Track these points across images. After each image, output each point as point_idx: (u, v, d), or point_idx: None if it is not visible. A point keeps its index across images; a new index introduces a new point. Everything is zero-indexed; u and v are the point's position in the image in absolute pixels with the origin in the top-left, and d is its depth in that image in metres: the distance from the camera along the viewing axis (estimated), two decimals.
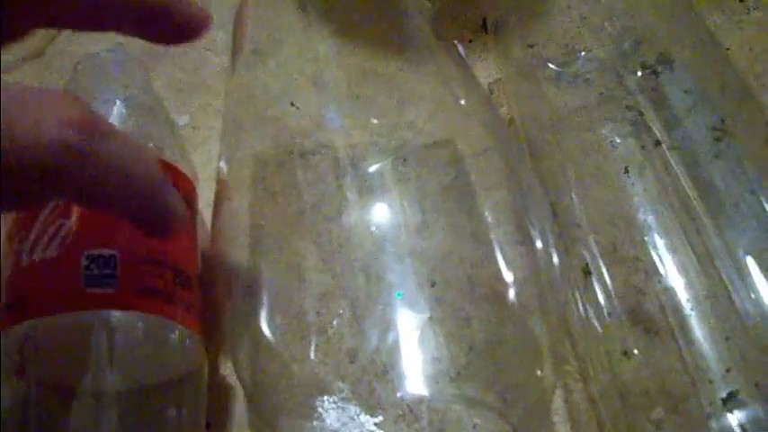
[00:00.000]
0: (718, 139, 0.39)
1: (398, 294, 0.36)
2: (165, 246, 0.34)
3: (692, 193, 0.38)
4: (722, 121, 0.39)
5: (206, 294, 0.37)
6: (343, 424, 0.34)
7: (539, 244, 0.35)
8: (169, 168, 0.36)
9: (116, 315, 0.32)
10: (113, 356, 0.32)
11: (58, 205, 0.33)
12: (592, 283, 0.37)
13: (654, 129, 0.42)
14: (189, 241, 0.36)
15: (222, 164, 0.39)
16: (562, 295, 0.36)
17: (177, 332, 0.33)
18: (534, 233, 0.36)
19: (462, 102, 0.41)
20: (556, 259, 0.35)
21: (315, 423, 0.34)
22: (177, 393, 0.34)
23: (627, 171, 0.41)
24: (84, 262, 0.32)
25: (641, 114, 0.43)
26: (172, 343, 0.33)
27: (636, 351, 0.35)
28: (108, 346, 0.32)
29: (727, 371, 0.34)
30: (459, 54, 0.42)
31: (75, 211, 0.33)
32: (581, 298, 0.37)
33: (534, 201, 0.37)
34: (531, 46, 0.47)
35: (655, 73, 0.44)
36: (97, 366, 0.32)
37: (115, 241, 0.33)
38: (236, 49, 0.42)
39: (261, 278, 0.37)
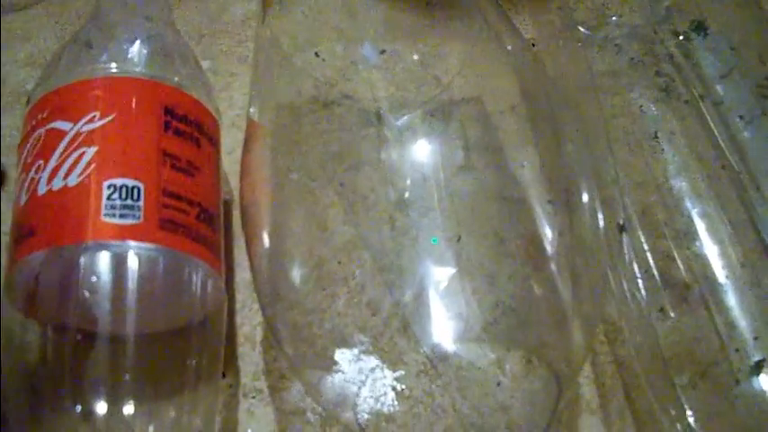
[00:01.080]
0: (763, 96, 0.38)
1: (433, 240, 0.35)
2: (190, 181, 0.33)
3: (731, 158, 0.37)
4: (766, 78, 0.38)
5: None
6: (364, 377, 0.33)
7: (584, 198, 0.34)
8: (195, 106, 0.35)
9: (137, 247, 0.31)
10: (133, 294, 0.31)
11: (79, 133, 0.32)
12: (627, 242, 0.36)
13: (687, 94, 0.41)
14: (213, 179, 0.35)
15: (252, 109, 0.38)
16: (604, 254, 0.35)
17: (200, 270, 0.32)
18: (580, 188, 0.35)
19: (494, 56, 0.40)
20: (600, 216, 0.34)
21: (334, 375, 0.33)
22: (197, 338, 0.33)
23: (656, 136, 0.40)
24: (106, 191, 0.31)
25: (672, 80, 0.42)
26: (194, 282, 0.32)
27: (672, 312, 0.35)
28: (127, 282, 0.31)
29: (756, 338, 0.34)
30: (500, 5, 0.41)
31: (98, 140, 0.32)
32: (616, 256, 0.36)
33: (578, 157, 0.36)
34: (561, 8, 0.46)
35: (688, 39, 0.43)
36: (116, 305, 0.31)
37: (140, 172, 0.31)
38: None
39: (284, 225, 0.36)
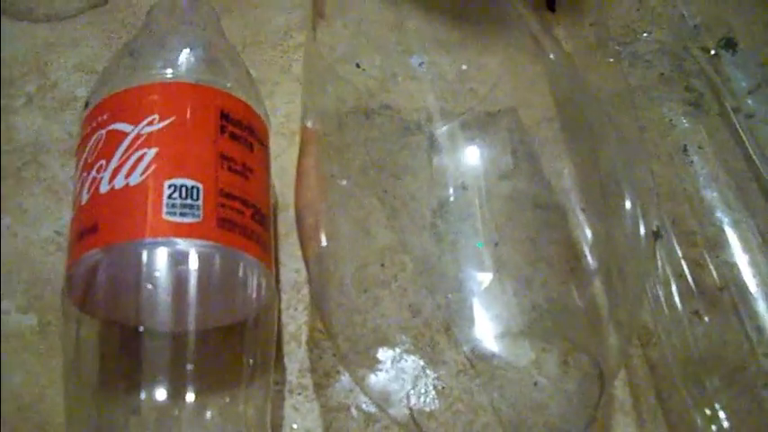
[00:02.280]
0: None
1: (479, 244, 0.36)
2: (245, 182, 0.34)
3: (762, 168, 0.39)
4: None
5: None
6: (406, 376, 0.34)
7: (627, 205, 0.35)
8: (248, 110, 0.36)
9: (197, 245, 0.32)
10: (192, 290, 0.32)
11: (140, 135, 0.33)
12: (661, 248, 0.37)
13: (716, 108, 0.42)
14: (265, 182, 0.36)
15: (304, 116, 0.39)
16: (644, 260, 0.36)
17: (255, 268, 0.33)
18: (623, 195, 0.36)
19: (530, 69, 0.42)
20: (642, 224, 0.35)
21: (376, 374, 0.34)
22: (251, 334, 0.34)
23: (686, 149, 0.41)
24: (166, 190, 0.32)
25: (701, 95, 0.43)
26: (250, 279, 0.33)
27: (705, 316, 0.36)
28: (187, 279, 0.32)
29: None
30: (539, 20, 0.42)
31: (158, 142, 0.33)
32: (650, 261, 0.37)
33: (620, 165, 0.37)
34: (594, 25, 0.47)
35: (717, 55, 0.44)
36: (175, 301, 0.32)
37: (198, 173, 0.33)
38: (315, 13, 0.43)
39: (331, 229, 0.37)
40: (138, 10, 0.50)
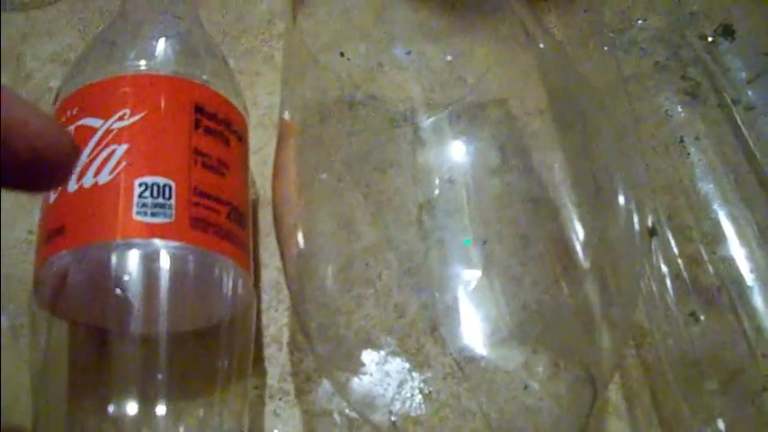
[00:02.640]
0: None
1: (466, 242, 0.34)
2: (220, 179, 0.33)
3: (761, 160, 0.37)
4: None
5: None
6: (391, 379, 0.33)
7: (621, 201, 0.34)
8: (224, 104, 0.35)
9: (169, 246, 0.30)
10: (164, 292, 0.30)
11: (109, 130, 0.32)
12: (657, 245, 0.36)
13: (714, 99, 0.41)
14: (242, 178, 0.35)
15: (284, 109, 0.37)
16: (639, 257, 0.35)
17: (231, 270, 0.32)
18: (615, 190, 0.34)
19: (521, 59, 0.40)
20: (636, 219, 0.34)
21: (362, 377, 0.33)
22: (227, 338, 0.32)
23: (682, 140, 0.40)
24: (137, 189, 0.31)
25: (698, 84, 0.42)
26: (225, 281, 0.32)
27: (702, 316, 0.34)
28: (159, 281, 0.30)
29: None
30: (530, 7, 0.41)
31: (129, 138, 0.32)
32: (645, 258, 0.36)
33: (612, 159, 0.36)
34: (587, 11, 0.46)
35: (714, 43, 0.43)
36: (147, 304, 0.30)
37: (171, 170, 0.31)
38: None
39: (312, 225, 0.35)
40: None
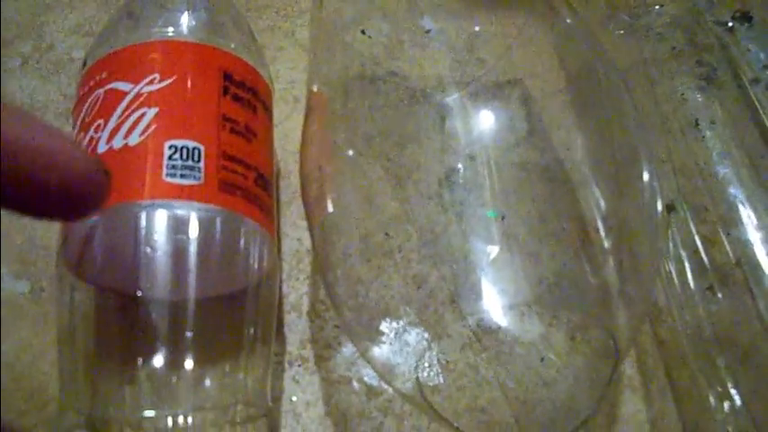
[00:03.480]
0: None
1: (490, 213, 0.35)
2: (247, 145, 0.33)
3: None
4: None
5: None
6: (409, 349, 0.33)
7: (645, 177, 0.34)
8: (251, 72, 0.35)
9: (198, 208, 0.31)
10: (193, 253, 0.31)
11: (140, 94, 0.32)
12: (675, 222, 0.36)
13: (730, 82, 0.41)
14: (268, 145, 0.35)
15: (310, 81, 0.38)
16: (659, 235, 0.35)
17: (258, 234, 0.32)
18: (640, 167, 0.35)
19: (539, 39, 0.41)
20: (660, 197, 0.34)
21: (380, 346, 0.33)
22: (253, 302, 0.33)
23: (697, 124, 0.40)
24: (167, 151, 0.31)
25: (714, 69, 0.42)
26: (252, 244, 0.32)
27: (719, 292, 0.35)
28: (188, 241, 0.31)
29: None
30: None
31: (159, 101, 0.32)
32: (663, 236, 0.37)
33: (638, 136, 0.36)
34: None
35: (730, 30, 0.43)
36: (174, 263, 0.31)
37: (200, 133, 0.32)
38: None
39: (335, 197, 0.36)
40: None
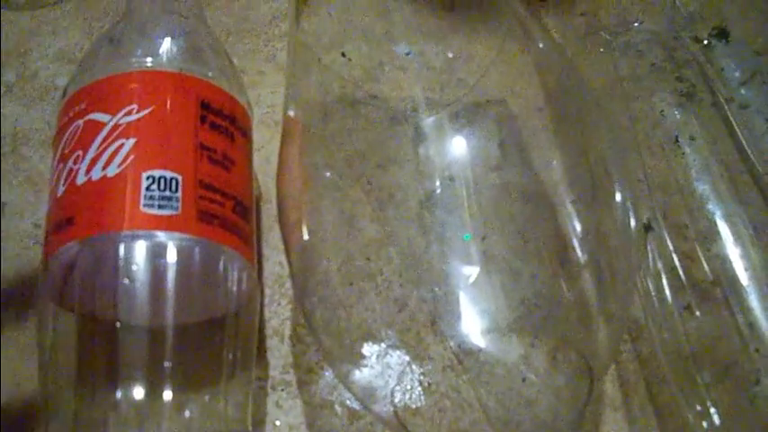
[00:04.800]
0: None
1: (466, 237, 0.35)
2: (225, 173, 0.33)
3: (755, 159, 0.38)
4: None
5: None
6: (391, 371, 0.34)
7: (618, 197, 0.35)
8: (229, 100, 0.35)
9: (176, 238, 0.31)
10: (171, 284, 0.31)
11: (118, 125, 0.32)
12: (652, 240, 0.37)
13: (709, 98, 0.41)
14: (247, 173, 0.35)
15: (286, 104, 0.38)
16: (635, 253, 0.35)
17: (236, 262, 0.33)
18: (612, 187, 0.35)
19: (519, 59, 0.41)
20: (632, 216, 0.34)
21: (362, 369, 0.33)
22: (232, 329, 0.33)
23: (677, 140, 0.40)
24: (144, 182, 0.31)
25: (693, 86, 0.42)
26: (230, 273, 0.33)
27: (697, 311, 0.35)
28: (166, 272, 0.31)
29: None
30: (528, 8, 0.42)
31: (137, 132, 0.32)
32: (641, 254, 0.37)
33: (610, 156, 0.36)
34: (584, 14, 0.47)
35: (709, 46, 0.43)
36: (153, 294, 0.31)
37: (177, 164, 0.32)
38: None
39: (315, 221, 0.36)
40: None
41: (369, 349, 0.34)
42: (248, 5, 0.49)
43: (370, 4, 0.45)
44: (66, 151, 0.33)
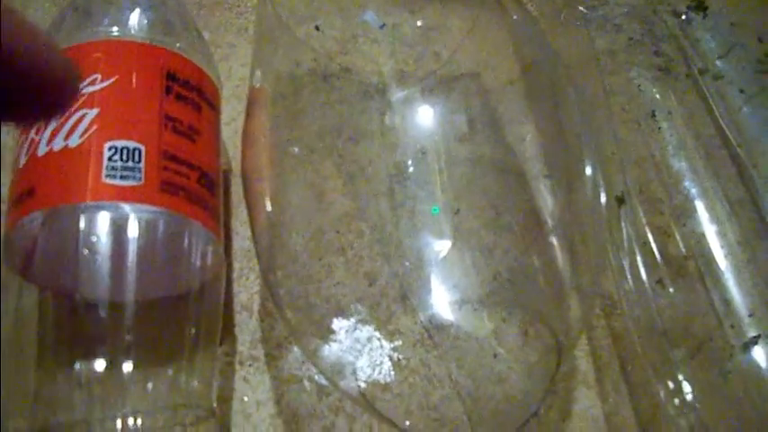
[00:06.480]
0: (763, 72, 0.38)
1: (434, 210, 0.35)
2: (191, 145, 0.33)
3: (730, 134, 0.38)
4: (766, 54, 0.39)
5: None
6: (361, 346, 0.33)
7: (588, 171, 0.34)
8: (197, 71, 0.35)
9: (138, 209, 0.30)
10: (133, 256, 0.30)
11: (81, 95, 0.32)
12: (624, 216, 0.36)
13: (686, 72, 0.41)
14: (213, 145, 0.35)
15: (253, 77, 0.37)
16: (602, 227, 0.35)
17: (201, 235, 0.32)
18: (583, 161, 0.35)
19: (494, 32, 0.40)
20: (602, 190, 0.34)
21: (332, 344, 0.33)
22: (196, 303, 0.32)
23: (654, 115, 0.40)
24: (107, 152, 0.31)
25: (671, 60, 0.42)
26: (194, 246, 0.32)
27: (670, 287, 0.35)
28: (127, 244, 0.30)
29: (751, 315, 0.34)
30: None
31: (100, 102, 0.32)
32: (614, 229, 0.36)
33: (581, 130, 0.36)
34: None
35: (687, 20, 0.43)
36: (115, 266, 0.30)
37: (141, 134, 0.31)
38: None
39: (283, 194, 0.36)
40: None
41: (338, 324, 0.33)
42: None
43: None
44: None
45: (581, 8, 0.45)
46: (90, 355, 0.30)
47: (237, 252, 0.38)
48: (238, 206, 0.39)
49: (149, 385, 0.30)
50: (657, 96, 0.41)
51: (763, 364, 0.33)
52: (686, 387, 0.33)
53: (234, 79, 0.43)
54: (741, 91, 0.38)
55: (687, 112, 0.40)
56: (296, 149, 0.37)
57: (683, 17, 0.43)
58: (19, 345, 0.31)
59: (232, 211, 0.39)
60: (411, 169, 0.37)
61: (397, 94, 0.39)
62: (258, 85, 0.37)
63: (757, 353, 0.33)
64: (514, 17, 0.38)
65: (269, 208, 0.34)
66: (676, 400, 0.33)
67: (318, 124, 0.38)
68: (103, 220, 0.30)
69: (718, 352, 0.34)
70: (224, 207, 0.36)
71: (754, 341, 0.33)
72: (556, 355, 0.32)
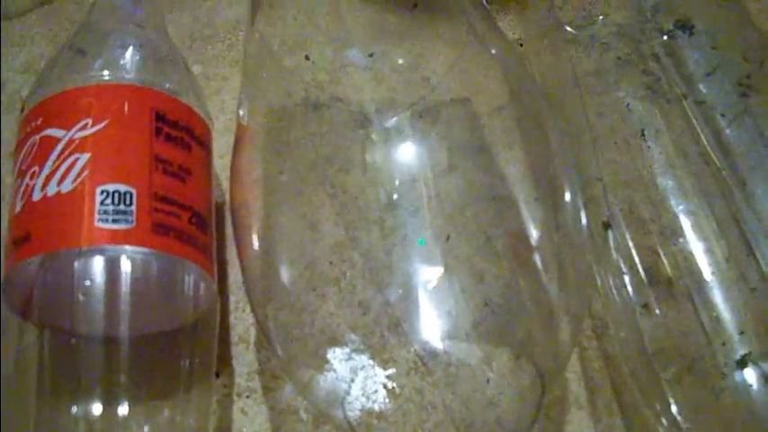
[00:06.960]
0: (744, 95, 0.38)
1: (420, 241, 0.35)
2: (181, 185, 0.33)
3: (714, 155, 0.38)
4: (748, 76, 0.39)
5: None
6: (355, 375, 0.34)
7: (567, 197, 0.35)
8: (186, 111, 0.35)
9: (130, 252, 0.31)
10: (126, 297, 0.31)
11: (72, 140, 0.33)
12: (612, 239, 0.37)
13: (672, 93, 0.41)
14: (205, 183, 0.35)
15: (241, 111, 0.38)
16: (586, 250, 0.35)
17: (192, 273, 0.33)
18: (563, 187, 0.35)
19: (481, 58, 0.41)
20: (583, 214, 0.35)
21: (326, 374, 0.34)
22: (190, 339, 0.33)
23: (643, 134, 0.40)
24: (99, 197, 0.31)
25: (659, 79, 0.42)
26: (187, 285, 0.33)
27: (656, 309, 0.35)
28: (121, 286, 0.31)
29: (742, 333, 0.34)
30: (485, 8, 0.41)
31: (91, 146, 0.32)
32: (601, 253, 0.37)
33: (562, 156, 0.36)
34: (548, 8, 0.46)
35: (673, 38, 0.43)
36: (109, 308, 0.31)
37: (132, 177, 0.32)
38: (255, 2, 0.42)
39: (274, 227, 0.36)
40: (87, 8, 0.48)
41: (333, 353, 0.34)
42: (213, 11, 0.49)
43: (332, 6, 0.44)
44: (24, 167, 0.33)
45: (568, 29, 0.45)
46: (87, 395, 0.31)
47: (233, 285, 0.39)
48: (233, 239, 0.40)
49: (145, 424, 0.31)
50: (646, 116, 0.41)
51: (754, 382, 0.33)
52: (674, 408, 0.33)
53: (227, 112, 0.44)
54: (722, 115, 0.39)
55: (675, 131, 0.40)
56: (286, 180, 0.38)
57: (669, 36, 0.43)
58: (19, 384, 0.32)
59: (226, 243, 0.40)
60: (401, 197, 0.37)
61: (385, 123, 0.40)
62: (246, 119, 0.37)
63: (748, 371, 0.33)
64: (493, 51, 0.38)
65: (257, 244, 0.34)
66: (664, 421, 0.33)
67: (310, 154, 0.39)
68: (97, 264, 0.31)
69: (709, 371, 0.34)
70: (218, 240, 0.36)
71: (745, 359, 0.34)
72: (538, 385, 0.33)
